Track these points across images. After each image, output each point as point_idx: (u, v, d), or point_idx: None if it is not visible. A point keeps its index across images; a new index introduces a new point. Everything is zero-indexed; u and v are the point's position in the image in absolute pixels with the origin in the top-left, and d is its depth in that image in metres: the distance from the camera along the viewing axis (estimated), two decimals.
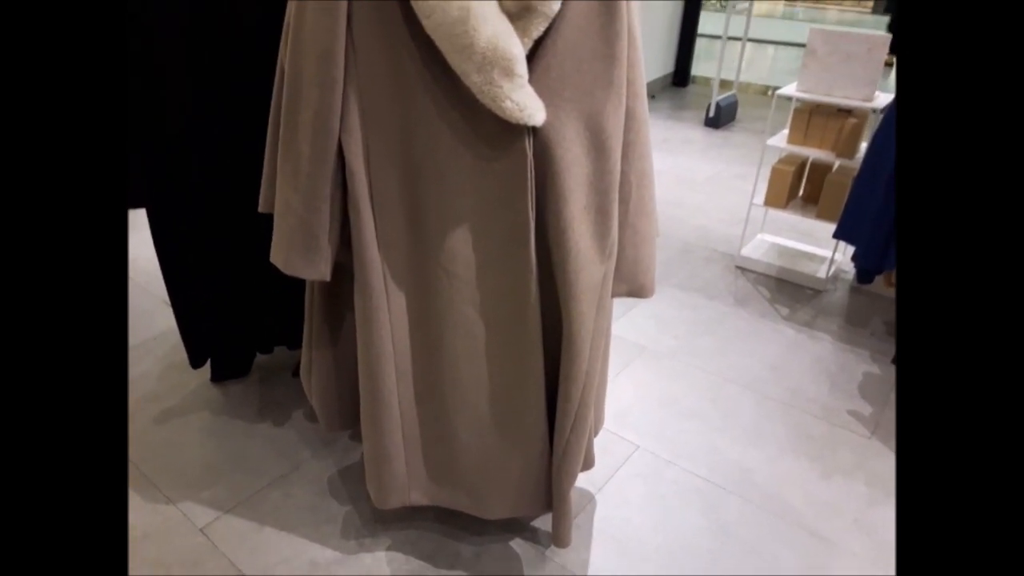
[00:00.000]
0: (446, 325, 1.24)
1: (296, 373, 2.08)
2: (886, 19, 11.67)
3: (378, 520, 1.60)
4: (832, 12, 12.67)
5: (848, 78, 2.42)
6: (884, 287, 2.26)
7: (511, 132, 1.07)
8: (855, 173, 2.50)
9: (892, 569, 1.54)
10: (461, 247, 1.18)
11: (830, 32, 2.42)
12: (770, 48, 8.67)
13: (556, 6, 1.00)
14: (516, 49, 1.00)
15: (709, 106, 4.81)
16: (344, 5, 1.03)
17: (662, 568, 1.51)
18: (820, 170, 2.70)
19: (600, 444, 1.80)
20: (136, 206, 1.72)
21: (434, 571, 1.48)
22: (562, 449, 1.28)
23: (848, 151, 2.48)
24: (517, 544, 1.55)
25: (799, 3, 13.44)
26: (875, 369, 2.20)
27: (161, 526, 1.57)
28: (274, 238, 1.23)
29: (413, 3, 0.99)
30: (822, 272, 2.71)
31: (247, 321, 1.92)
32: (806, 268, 2.75)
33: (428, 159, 1.13)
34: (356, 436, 1.85)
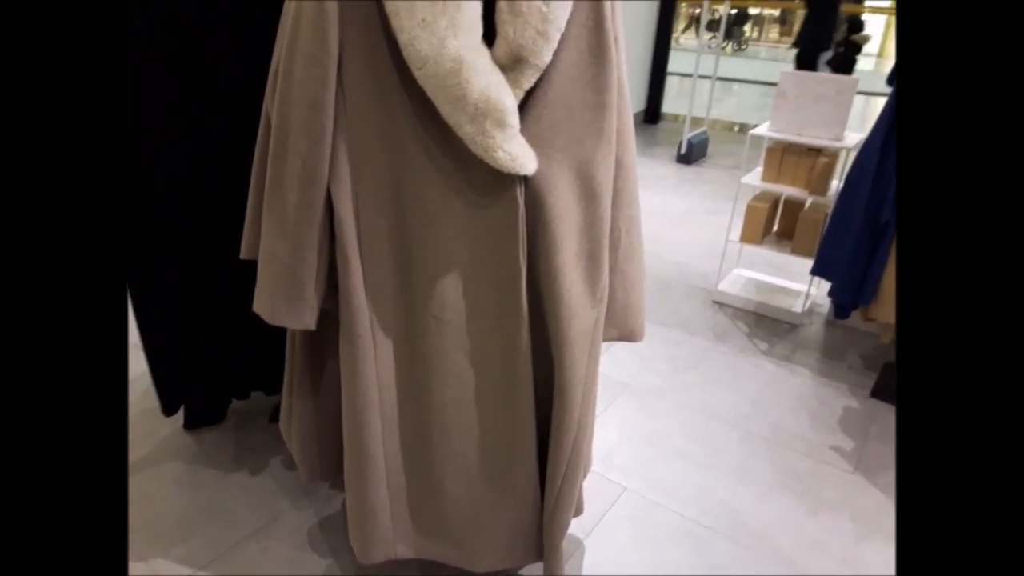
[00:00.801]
0: (435, 373, 1.22)
1: (273, 419, 2.02)
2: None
3: (361, 573, 1.54)
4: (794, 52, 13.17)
5: (818, 118, 2.50)
6: (860, 321, 2.31)
7: (503, 181, 1.07)
8: (828, 209, 2.57)
9: None
10: (451, 294, 1.17)
11: (800, 75, 2.50)
12: (735, 85, 8.96)
13: (547, 58, 1.01)
14: (508, 100, 1.00)
15: (680, 143, 4.91)
16: (335, 56, 1.03)
17: None
18: (793, 207, 2.76)
19: (587, 486, 1.77)
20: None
21: None
22: (554, 499, 1.26)
23: (820, 188, 2.55)
24: None
25: (762, 43, 13.96)
26: (854, 403, 2.23)
27: None
28: (258, 286, 1.20)
29: (405, 54, 0.99)
30: (798, 306, 2.76)
31: (222, 366, 1.87)
32: (782, 302, 2.80)
33: (418, 207, 1.12)
34: (337, 485, 1.79)
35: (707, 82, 5.14)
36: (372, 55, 1.04)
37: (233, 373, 1.90)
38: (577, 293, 1.13)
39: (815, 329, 2.69)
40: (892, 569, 1.61)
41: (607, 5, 1.06)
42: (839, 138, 2.48)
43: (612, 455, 1.95)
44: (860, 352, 2.53)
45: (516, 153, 1.03)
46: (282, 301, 1.16)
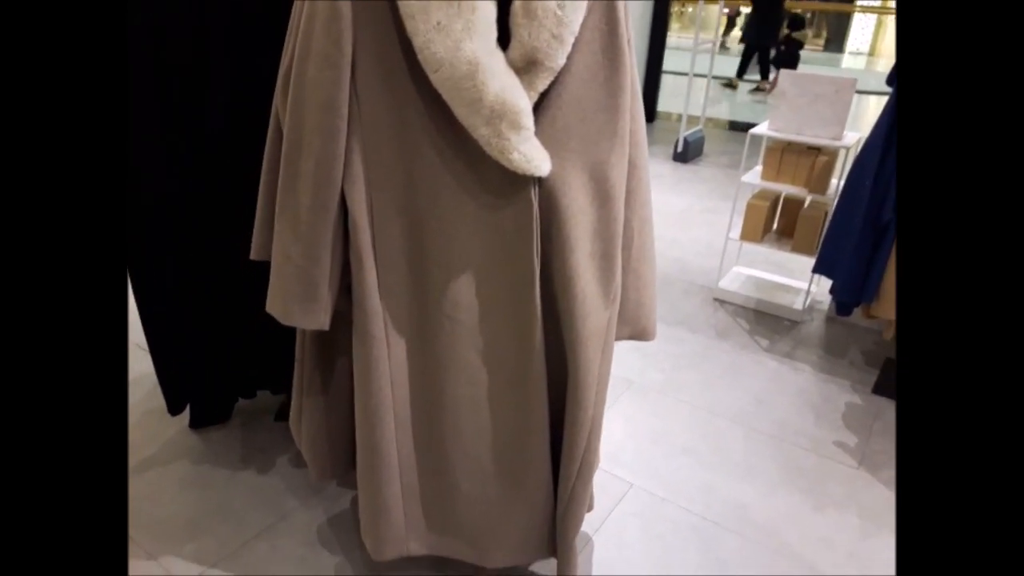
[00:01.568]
0: (448, 372, 1.23)
1: (279, 417, 2.02)
2: (840, 56, 12.22)
3: (372, 571, 1.55)
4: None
5: (817, 118, 2.52)
6: (862, 318, 2.33)
7: (517, 182, 1.08)
8: (828, 208, 2.59)
9: None
10: (465, 294, 1.17)
11: (798, 74, 2.52)
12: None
13: (562, 60, 1.02)
14: (523, 102, 1.01)
15: (677, 141, 4.93)
16: (348, 57, 1.03)
17: None
18: (793, 205, 2.78)
19: (595, 483, 1.78)
20: None
21: None
22: (567, 496, 1.27)
23: (820, 187, 2.57)
24: None
25: None
26: (856, 399, 2.25)
27: None
28: (271, 288, 1.20)
29: (420, 57, 1.00)
30: (799, 303, 2.78)
31: (228, 365, 1.87)
32: (783, 300, 2.82)
33: (432, 209, 1.13)
34: (345, 483, 1.80)
35: (702, 81, 5.16)
36: (386, 57, 1.05)
37: (239, 372, 1.90)
38: (591, 292, 1.14)
39: (816, 326, 2.72)
40: None
41: (620, 8, 1.07)
42: (838, 137, 2.50)
43: (618, 452, 1.96)
44: (861, 348, 2.55)
45: (531, 155, 1.04)
46: (296, 302, 1.17)
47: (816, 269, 2.38)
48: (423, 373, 1.25)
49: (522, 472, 1.28)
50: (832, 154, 2.59)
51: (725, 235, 2.88)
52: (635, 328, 1.26)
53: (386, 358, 1.21)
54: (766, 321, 2.73)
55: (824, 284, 2.79)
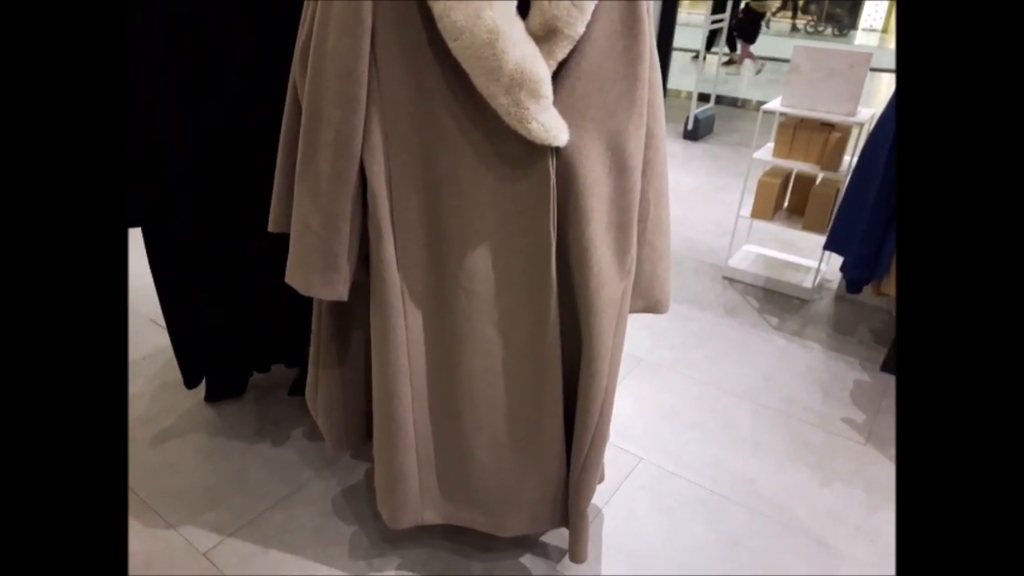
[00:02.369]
0: (464, 343, 1.24)
1: (292, 391, 2.04)
2: (846, 36, 12.05)
3: (386, 540, 1.58)
4: (786, 24, 13.09)
5: (831, 93, 2.49)
6: (872, 295, 2.33)
7: (535, 153, 1.08)
8: (839, 185, 2.57)
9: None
10: (481, 266, 1.18)
11: (813, 49, 2.49)
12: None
13: (581, 29, 1.01)
14: (543, 71, 1.01)
15: (687, 119, 4.89)
16: (368, 26, 1.03)
17: None
18: (805, 182, 2.77)
19: (606, 456, 1.80)
20: (128, 225, 1.68)
21: None
22: (580, 465, 1.29)
23: (832, 164, 2.55)
24: (528, 560, 1.54)
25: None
26: (865, 376, 2.26)
27: (163, 552, 1.53)
28: (291, 258, 1.21)
29: (440, 25, 0.99)
30: (808, 282, 2.77)
31: (244, 339, 1.89)
32: (792, 278, 2.81)
33: (450, 179, 1.13)
34: (358, 455, 1.83)
35: (713, 59, 5.10)
36: (405, 26, 1.04)
37: (254, 345, 1.92)
38: (607, 264, 1.14)
39: (825, 304, 2.72)
40: None
41: None
42: (852, 113, 2.48)
43: (627, 427, 1.98)
44: (870, 327, 2.55)
45: (549, 124, 1.03)
46: (316, 273, 1.17)
47: (828, 246, 2.37)
48: (439, 344, 1.26)
49: (536, 442, 1.29)
50: (845, 130, 2.57)
51: (736, 213, 2.87)
52: (649, 301, 1.27)
53: (403, 328, 1.22)
54: (775, 299, 2.74)
55: (833, 263, 2.78)
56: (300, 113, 1.15)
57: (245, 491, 1.70)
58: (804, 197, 2.73)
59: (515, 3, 1.00)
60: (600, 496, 1.72)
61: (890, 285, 2.13)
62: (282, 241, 1.29)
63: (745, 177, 2.79)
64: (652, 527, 1.65)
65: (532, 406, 1.28)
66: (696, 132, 4.88)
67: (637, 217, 1.17)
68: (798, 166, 2.63)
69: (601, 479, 1.54)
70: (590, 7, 1.01)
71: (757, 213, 2.77)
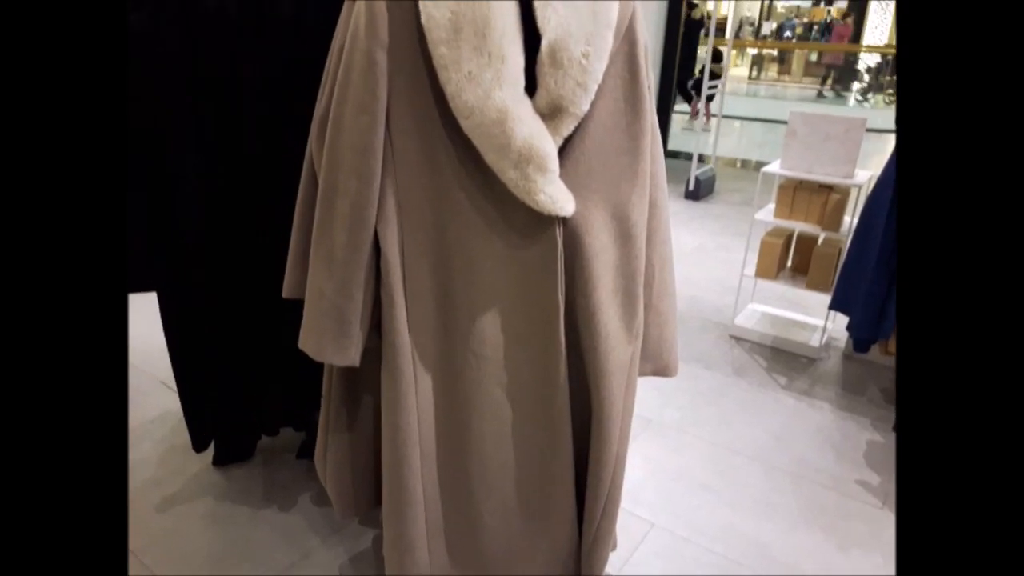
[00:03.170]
0: (473, 407, 1.25)
1: (301, 455, 2.04)
2: (846, 96, 12.45)
3: None
4: (792, 89, 13.46)
5: (828, 156, 2.56)
6: (880, 355, 2.33)
7: (542, 222, 1.12)
8: (842, 245, 2.61)
9: None
10: (490, 331, 1.21)
11: (809, 114, 2.57)
12: (736, 123, 9.12)
13: (586, 107, 1.07)
14: (549, 146, 1.06)
15: (688, 180, 5.00)
16: (384, 104, 1.09)
17: None
18: (807, 242, 2.81)
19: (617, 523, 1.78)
20: (138, 290, 1.72)
21: None
22: (592, 534, 1.28)
23: (833, 225, 2.60)
24: None
25: (762, 82, 14.26)
26: (878, 437, 2.24)
27: None
28: (304, 325, 1.24)
29: (452, 105, 1.05)
30: (815, 340, 2.78)
31: (253, 402, 1.90)
32: (799, 336, 2.82)
33: (460, 248, 1.17)
34: (366, 521, 1.80)
35: (712, 120, 5.26)
36: (419, 104, 1.10)
37: (263, 410, 1.92)
38: (614, 328, 1.17)
39: (833, 363, 2.71)
40: None
41: (641, 56, 1.12)
42: (850, 175, 2.54)
43: (638, 491, 1.95)
44: (879, 386, 2.54)
45: (556, 196, 1.08)
46: (329, 339, 1.20)
47: (832, 306, 2.39)
48: (449, 408, 1.27)
49: (546, 507, 1.29)
50: (844, 192, 2.63)
51: (740, 272, 2.91)
52: (657, 364, 1.29)
53: (414, 394, 1.23)
54: (783, 358, 2.74)
55: (840, 321, 2.79)
56: (316, 183, 1.20)
57: (251, 559, 1.68)
58: (807, 256, 2.77)
59: (523, 84, 1.06)
60: (613, 564, 1.69)
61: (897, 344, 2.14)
62: (293, 305, 1.32)
63: (748, 237, 2.83)
64: None
65: (542, 471, 1.28)
66: (697, 192, 4.98)
67: (643, 283, 1.20)
68: (800, 226, 2.68)
69: (613, 547, 1.51)
70: (594, 87, 1.07)
71: (761, 272, 2.80)
